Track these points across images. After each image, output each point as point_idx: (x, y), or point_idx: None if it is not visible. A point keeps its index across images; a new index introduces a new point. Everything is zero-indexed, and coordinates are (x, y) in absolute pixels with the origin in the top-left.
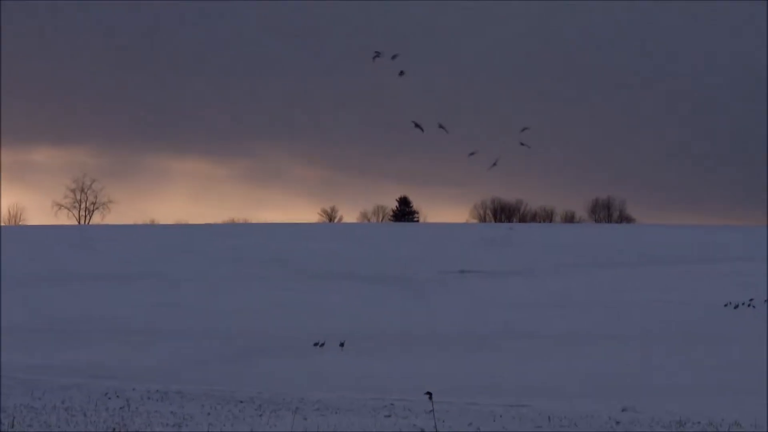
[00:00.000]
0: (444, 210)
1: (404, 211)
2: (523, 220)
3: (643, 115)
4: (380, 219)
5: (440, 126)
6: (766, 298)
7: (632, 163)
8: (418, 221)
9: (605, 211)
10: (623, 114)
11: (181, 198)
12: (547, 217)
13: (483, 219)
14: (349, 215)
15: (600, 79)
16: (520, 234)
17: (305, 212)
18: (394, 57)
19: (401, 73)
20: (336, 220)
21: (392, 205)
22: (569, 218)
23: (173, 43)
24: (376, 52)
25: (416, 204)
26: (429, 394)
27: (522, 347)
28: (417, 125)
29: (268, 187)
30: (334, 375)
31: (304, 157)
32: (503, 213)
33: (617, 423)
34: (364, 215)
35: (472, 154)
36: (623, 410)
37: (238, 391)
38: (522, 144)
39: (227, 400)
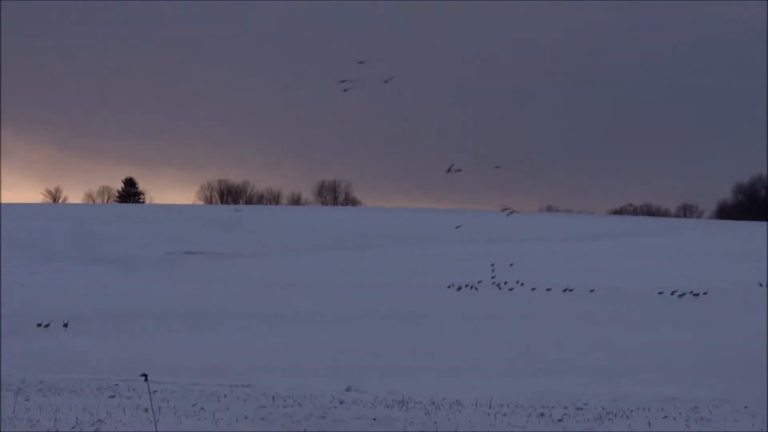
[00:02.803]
0: (170, 192)
1: (130, 192)
2: (249, 202)
3: (370, 100)
4: (106, 200)
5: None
6: (491, 279)
7: (359, 147)
8: (143, 202)
9: (331, 194)
10: (350, 98)
11: None
12: (274, 199)
13: (209, 201)
14: (73, 196)
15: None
16: (246, 216)
17: (29, 193)
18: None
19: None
20: (60, 201)
21: (118, 186)
22: (296, 200)
23: None
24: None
25: (142, 185)
26: (144, 376)
27: (247, 327)
28: (454, 170)
29: None
30: (57, 356)
31: (28, 137)
32: (230, 195)
33: (341, 402)
34: (89, 196)
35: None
36: (347, 389)
37: None
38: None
39: None
